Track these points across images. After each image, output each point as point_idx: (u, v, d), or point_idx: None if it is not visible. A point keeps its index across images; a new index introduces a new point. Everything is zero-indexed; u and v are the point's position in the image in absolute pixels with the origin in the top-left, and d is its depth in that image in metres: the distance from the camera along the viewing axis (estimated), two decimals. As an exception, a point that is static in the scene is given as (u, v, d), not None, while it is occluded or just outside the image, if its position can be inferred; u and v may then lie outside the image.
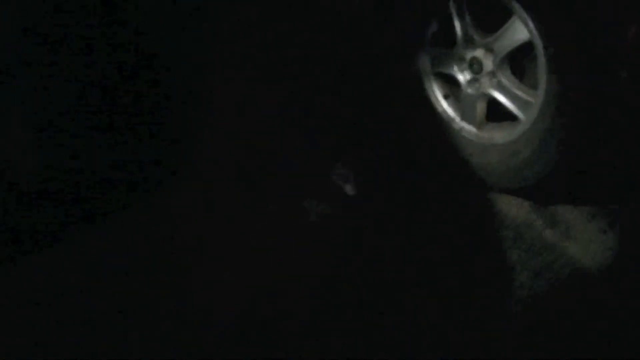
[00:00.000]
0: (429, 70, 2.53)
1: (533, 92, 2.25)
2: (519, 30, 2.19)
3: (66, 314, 2.17)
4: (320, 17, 2.74)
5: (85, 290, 2.24)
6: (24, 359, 2.07)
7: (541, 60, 2.14)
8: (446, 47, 2.46)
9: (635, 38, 2.01)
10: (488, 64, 2.35)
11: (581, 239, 2.29)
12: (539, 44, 2.13)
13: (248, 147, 2.68)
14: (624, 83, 2.05)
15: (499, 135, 2.38)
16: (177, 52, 2.62)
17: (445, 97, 2.53)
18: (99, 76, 2.47)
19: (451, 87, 2.52)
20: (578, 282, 2.16)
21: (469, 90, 2.42)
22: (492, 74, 2.35)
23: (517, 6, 2.15)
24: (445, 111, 2.53)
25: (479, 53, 2.36)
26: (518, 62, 2.33)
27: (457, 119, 2.50)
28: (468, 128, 2.47)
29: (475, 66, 2.38)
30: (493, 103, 2.40)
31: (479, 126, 2.44)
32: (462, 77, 2.44)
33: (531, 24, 2.12)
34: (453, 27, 2.39)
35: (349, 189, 2.55)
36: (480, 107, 2.42)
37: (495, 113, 2.42)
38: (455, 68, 2.45)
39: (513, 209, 2.43)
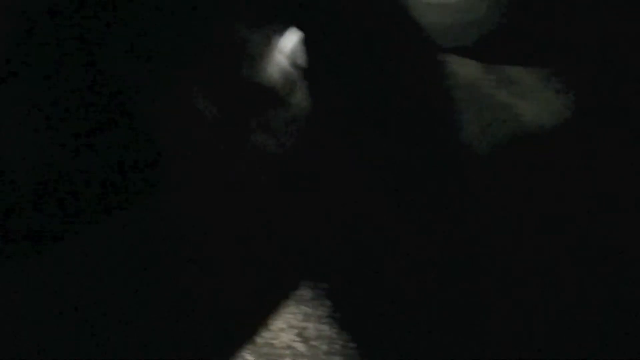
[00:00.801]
0: None
1: None
2: None
3: (66, 314, 2.17)
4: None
5: (85, 290, 2.24)
6: (24, 359, 2.08)
7: None
8: None
9: None
10: None
11: (537, 98, 2.31)
12: None
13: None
14: None
15: None
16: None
17: None
18: (99, 76, 2.47)
19: None
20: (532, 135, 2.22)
21: None
22: None
23: None
24: None
25: None
26: None
27: None
28: None
29: None
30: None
31: None
32: None
33: None
34: None
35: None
36: None
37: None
38: None
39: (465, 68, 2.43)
